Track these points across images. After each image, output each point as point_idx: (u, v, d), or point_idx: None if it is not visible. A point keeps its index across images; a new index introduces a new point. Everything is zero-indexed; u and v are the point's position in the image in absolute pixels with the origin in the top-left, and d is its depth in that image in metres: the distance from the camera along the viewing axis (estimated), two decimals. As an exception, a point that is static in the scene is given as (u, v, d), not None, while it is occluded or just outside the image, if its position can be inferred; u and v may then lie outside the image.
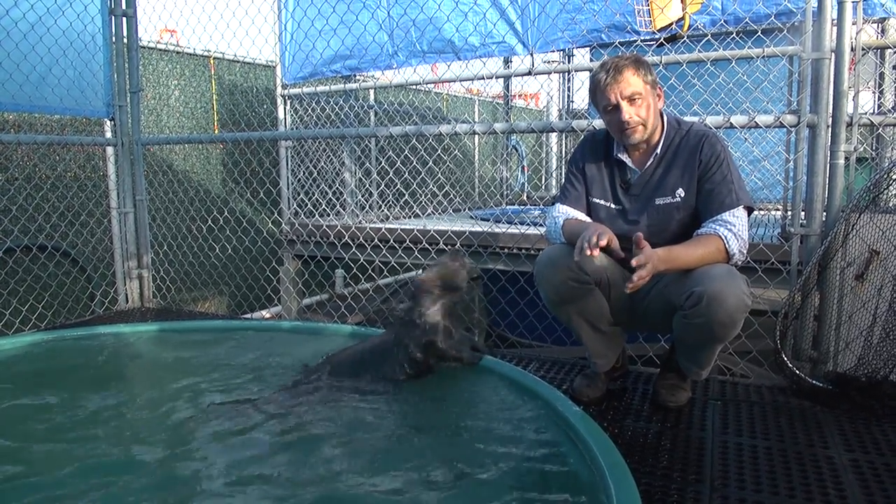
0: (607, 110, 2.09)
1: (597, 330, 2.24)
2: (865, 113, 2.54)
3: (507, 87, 6.82)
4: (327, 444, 1.81)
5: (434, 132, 3.20)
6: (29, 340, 2.82)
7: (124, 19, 3.83)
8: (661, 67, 2.84)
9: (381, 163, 5.38)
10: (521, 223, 3.71)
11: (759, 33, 3.04)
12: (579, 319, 2.22)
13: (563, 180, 2.35)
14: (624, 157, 2.19)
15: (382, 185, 5.25)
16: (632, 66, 2.04)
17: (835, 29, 2.35)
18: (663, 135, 2.14)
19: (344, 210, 5.12)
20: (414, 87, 6.16)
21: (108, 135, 4.04)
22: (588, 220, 2.23)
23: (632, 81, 2.03)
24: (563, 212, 2.23)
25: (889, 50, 4.41)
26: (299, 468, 1.68)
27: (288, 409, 2.02)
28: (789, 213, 3.45)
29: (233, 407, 2.06)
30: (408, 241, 3.87)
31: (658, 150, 2.14)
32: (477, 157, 7.41)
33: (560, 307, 2.20)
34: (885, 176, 2.32)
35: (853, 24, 2.41)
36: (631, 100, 2.04)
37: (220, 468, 1.67)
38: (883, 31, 4.55)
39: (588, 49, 5.75)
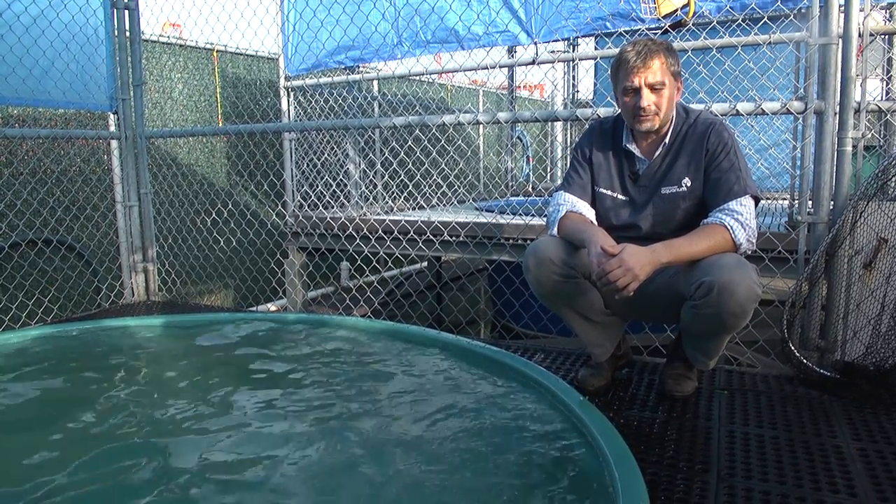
0: (626, 91, 2.06)
1: (588, 320, 2.23)
2: (873, 99, 2.52)
3: (511, 78, 6.78)
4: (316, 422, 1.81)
5: (438, 122, 3.18)
6: (35, 334, 2.83)
7: (126, 12, 3.83)
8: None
9: (385, 154, 5.37)
10: (526, 214, 3.69)
11: (766, 20, 3.01)
12: (569, 311, 2.21)
13: (568, 168, 2.31)
14: (632, 147, 2.16)
15: (386, 177, 5.24)
16: (663, 54, 2.02)
17: (842, 14, 2.32)
18: (672, 124, 2.12)
19: (348, 202, 5.11)
20: (418, 77, 6.14)
21: (112, 128, 4.04)
22: (590, 211, 2.21)
23: (659, 71, 2.01)
24: (566, 201, 2.21)
25: (897, 36, 4.36)
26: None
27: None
28: (796, 201, 3.43)
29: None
30: (412, 233, 3.86)
31: (667, 140, 2.12)
32: (481, 148, 7.38)
33: (548, 300, 2.20)
34: (894, 163, 2.29)
35: (861, 9, 2.38)
36: (653, 88, 2.02)
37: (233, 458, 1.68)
38: (891, 16, 4.51)
39: (593, 38, 5.72)
